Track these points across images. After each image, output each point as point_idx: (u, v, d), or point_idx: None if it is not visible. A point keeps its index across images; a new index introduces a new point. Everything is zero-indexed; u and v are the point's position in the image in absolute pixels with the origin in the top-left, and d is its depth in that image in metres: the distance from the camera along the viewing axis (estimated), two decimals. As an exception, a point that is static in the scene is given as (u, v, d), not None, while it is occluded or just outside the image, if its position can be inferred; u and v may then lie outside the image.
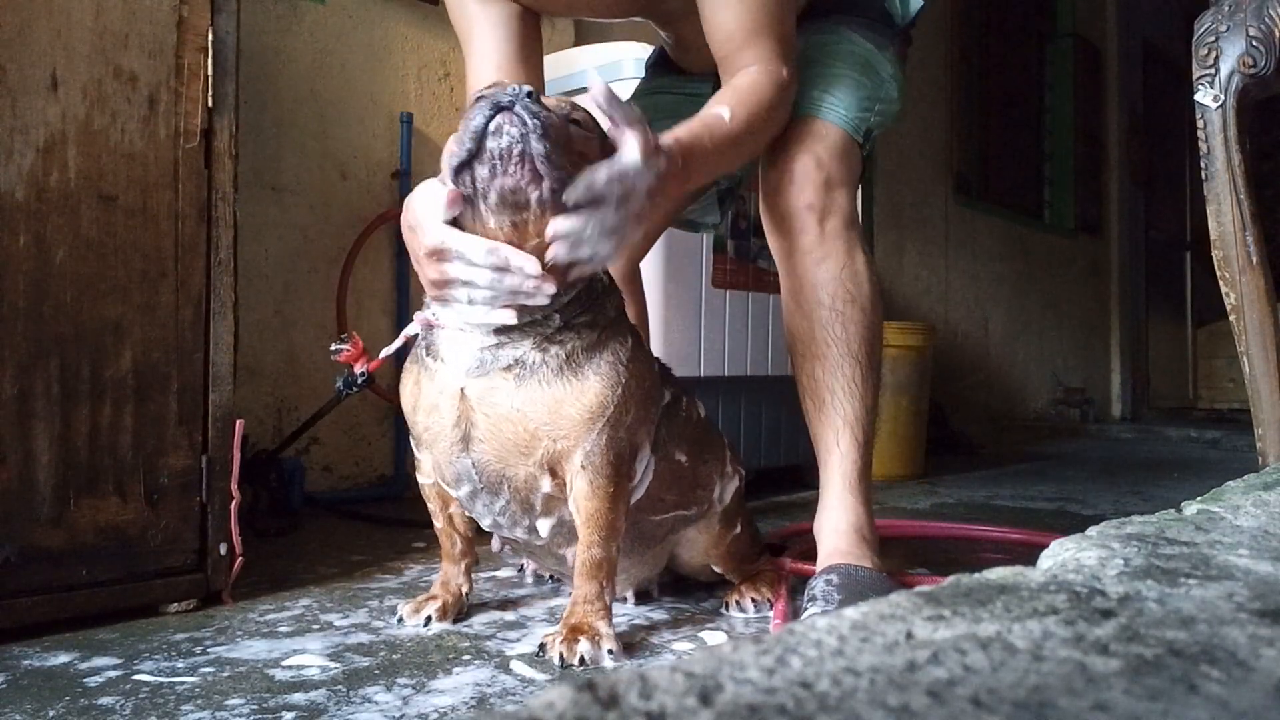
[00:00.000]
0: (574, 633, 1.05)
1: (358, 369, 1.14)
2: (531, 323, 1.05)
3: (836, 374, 1.28)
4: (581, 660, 1.02)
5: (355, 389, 1.15)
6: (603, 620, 1.07)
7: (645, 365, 1.11)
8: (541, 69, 1.46)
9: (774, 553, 1.48)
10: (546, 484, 1.08)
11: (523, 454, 1.06)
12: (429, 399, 1.10)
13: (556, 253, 0.99)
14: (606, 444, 1.05)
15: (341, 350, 1.15)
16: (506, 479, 1.09)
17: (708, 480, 1.25)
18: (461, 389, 1.06)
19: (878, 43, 1.40)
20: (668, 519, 1.23)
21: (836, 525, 1.27)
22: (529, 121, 0.95)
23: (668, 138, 1.08)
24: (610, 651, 1.05)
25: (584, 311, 1.08)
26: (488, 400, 1.05)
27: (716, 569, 1.32)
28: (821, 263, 1.29)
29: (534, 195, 0.97)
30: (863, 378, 1.28)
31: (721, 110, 1.17)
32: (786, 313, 1.34)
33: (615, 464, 1.06)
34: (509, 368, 1.04)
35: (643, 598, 1.34)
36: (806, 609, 1.18)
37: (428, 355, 1.10)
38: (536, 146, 0.95)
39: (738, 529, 1.31)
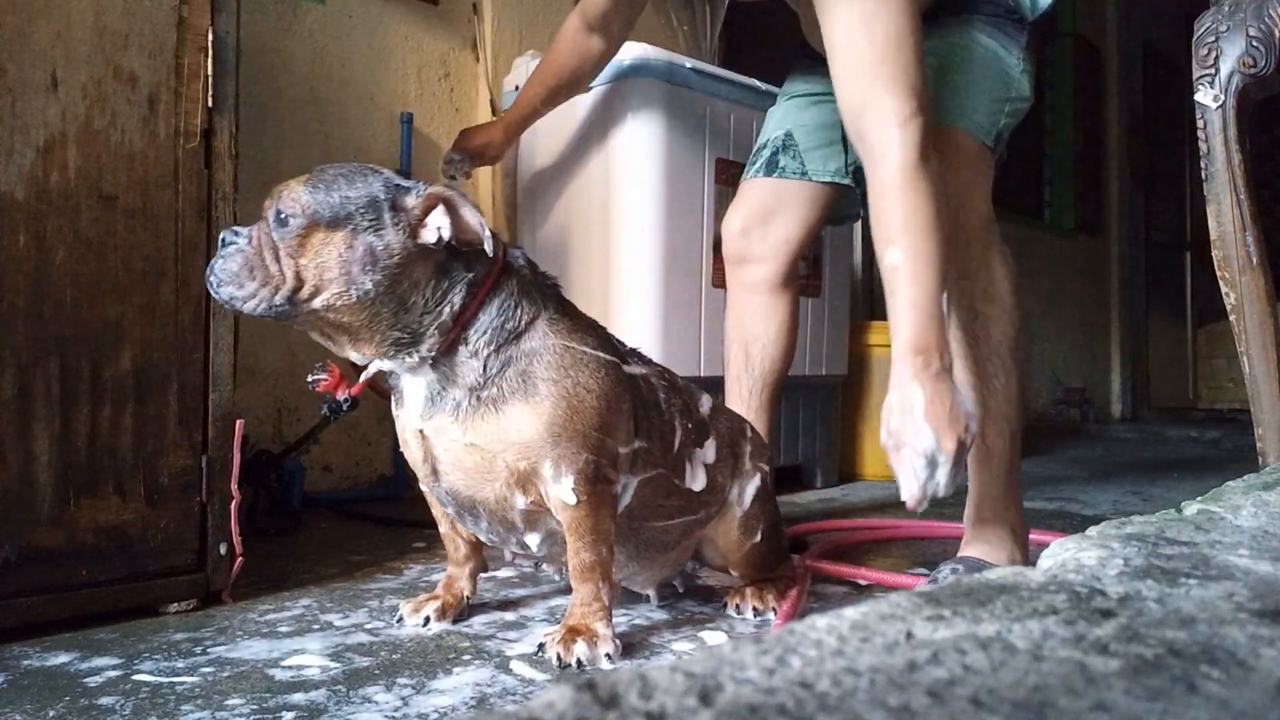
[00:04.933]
0: (572, 634, 1.05)
1: (339, 395, 1.16)
2: (451, 366, 1.07)
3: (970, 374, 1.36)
4: (579, 661, 1.03)
5: (341, 413, 1.18)
6: (600, 621, 1.07)
7: (591, 373, 1.10)
8: None
9: (795, 549, 1.47)
10: (521, 501, 1.10)
11: (487, 479, 1.09)
12: (402, 435, 1.15)
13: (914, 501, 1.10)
14: (566, 456, 1.06)
15: (319, 380, 1.17)
16: (478, 502, 1.12)
17: (713, 482, 1.24)
18: (420, 430, 1.10)
19: (1004, 41, 1.41)
20: (675, 524, 1.22)
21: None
22: (213, 264, 1.06)
23: (904, 356, 1.11)
24: (608, 655, 1.05)
25: (499, 347, 1.07)
26: (444, 437, 1.09)
27: (734, 573, 1.31)
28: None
29: (247, 310, 1.05)
30: (1005, 378, 1.36)
31: (894, 260, 1.16)
32: None
33: (585, 472, 1.07)
34: (452, 410, 1.08)
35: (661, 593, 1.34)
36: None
37: (394, 396, 1.15)
38: (219, 276, 1.05)
39: (758, 537, 1.29)
